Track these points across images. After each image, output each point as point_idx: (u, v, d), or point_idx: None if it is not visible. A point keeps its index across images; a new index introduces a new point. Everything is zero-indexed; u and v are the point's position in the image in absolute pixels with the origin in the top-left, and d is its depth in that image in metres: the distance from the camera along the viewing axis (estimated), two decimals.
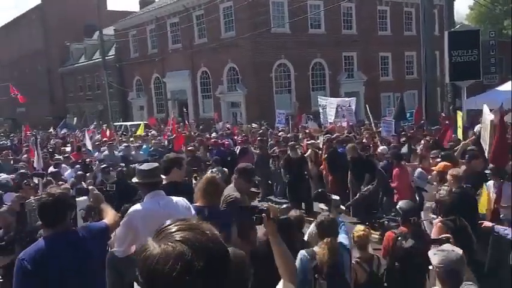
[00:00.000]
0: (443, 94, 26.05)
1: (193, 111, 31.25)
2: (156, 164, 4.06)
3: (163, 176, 4.11)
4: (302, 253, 3.94)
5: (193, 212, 3.79)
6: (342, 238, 4.13)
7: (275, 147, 12.33)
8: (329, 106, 16.39)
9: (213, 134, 16.90)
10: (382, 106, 29.77)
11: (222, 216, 3.84)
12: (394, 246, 4.46)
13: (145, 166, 3.95)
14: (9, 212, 5.93)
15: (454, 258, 2.91)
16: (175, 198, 3.86)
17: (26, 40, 47.37)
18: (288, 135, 14.35)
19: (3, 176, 9.64)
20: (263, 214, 2.50)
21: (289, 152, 10.42)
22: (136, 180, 3.93)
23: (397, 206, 4.75)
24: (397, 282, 4.45)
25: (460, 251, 3.01)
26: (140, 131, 19.27)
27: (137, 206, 3.84)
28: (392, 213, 5.89)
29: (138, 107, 37.65)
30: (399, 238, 4.44)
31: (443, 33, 14.40)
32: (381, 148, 10.27)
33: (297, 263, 3.77)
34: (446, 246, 3.15)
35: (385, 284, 4.46)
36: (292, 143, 11.15)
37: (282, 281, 2.44)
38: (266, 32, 25.87)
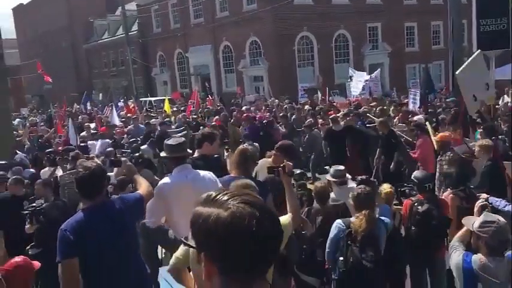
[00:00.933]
0: None
1: (216, 85, 31.33)
2: (183, 139, 4.16)
3: (193, 150, 4.21)
4: (338, 221, 4.08)
5: (219, 185, 3.89)
6: (383, 217, 4.22)
7: (309, 119, 12.02)
8: (356, 79, 16.19)
9: (244, 107, 16.55)
10: (408, 78, 29.27)
11: (257, 185, 3.94)
12: (410, 212, 4.65)
13: (172, 141, 4.04)
14: (43, 185, 6.21)
15: (505, 228, 3.07)
16: (202, 172, 3.95)
17: (50, 17, 47.79)
18: (316, 109, 14.18)
19: (19, 154, 10.03)
20: (279, 169, 3.35)
21: (331, 124, 10.11)
22: (165, 155, 4.05)
23: (412, 176, 4.98)
24: (415, 245, 4.60)
25: (504, 220, 3.14)
26: (166, 107, 19.27)
27: (166, 179, 3.97)
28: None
29: (162, 83, 37.91)
30: (415, 204, 4.63)
31: (471, 1, 13.99)
32: (416, 118, 10.03)
33: (332, 230, 4.07)
34: (491, 216, 3.17)
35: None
36: (333, 115, 10.75)
37: (289, 214, 3.17)
38: (288, 4, 25.51)
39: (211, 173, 3.99)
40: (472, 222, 3.18)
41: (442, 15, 25.88)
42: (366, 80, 15.85)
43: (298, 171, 4.65)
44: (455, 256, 3.20)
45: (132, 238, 3.42)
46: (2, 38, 8.26)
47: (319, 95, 18.37)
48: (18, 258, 3.26)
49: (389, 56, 30.83)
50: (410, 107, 12.43)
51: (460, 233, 3.41)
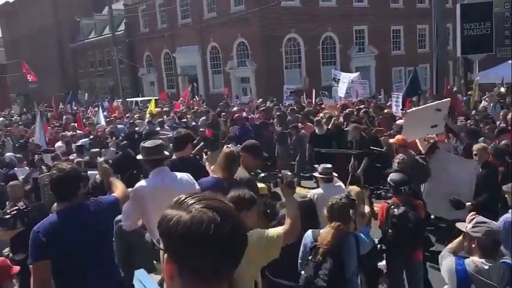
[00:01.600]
0: (455, 68, 25.71)
1: (203, 86, 31.27)
2: (160, 141, 4.14)
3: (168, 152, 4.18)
4: (308, 233, 3.95)
5: (197, 187, 3.87)
6: (360, 232, 4.07)
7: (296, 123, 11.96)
8: (342, 81, 16.19)
9: (234, 108, 16.59)
10: (393, 80, 29.50)
11: (240, 188, 3.94)
12: (387, 214, 4.66)
13: (149, 143, 4.01)
14: (21, 186, 6.13)
15: (497, 229, 3.19)
16: (179, 174, 3.94)
17: (37, 16, 47.30)
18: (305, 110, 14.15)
19: (8, 154, 9.94)
20: (278, 179, 3.35)
21: (315, 128, 10.17)
22: (141, 157, 4.01)
23: (388, 179, 4.92)
24: (390, 248, 4.63)
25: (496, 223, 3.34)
26: (152, 107, 19.15)
27: (142, 182, 3.93)
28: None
29: (149, 83, 37.74)
30: (392, 207, 4.64)
31: (456, 6, 14.16)
32: (398, 122, 9.94)
33: (303, 240, 3.93)
34: (483, 219, 3.24)
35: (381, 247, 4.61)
36: (317, 118, 10.75)
37: (284, 226, 3.10)
38: (276, 5, 25.60)
39: (188, 174, 3.97)
40: (465, 226, 3.26)
41: (428, 19, 26.01)
42: (352, 81, 15.88)
43: (262, 174, 4.59)
44: (447, 261, 3.24)
45: (106, 241, 3.39)
46: None
47: (324, 98, 18.25)
48: None
49: (375, 59, 31.05)
50: (394, 109, 12.51)
51: (450, 244, 3.45)
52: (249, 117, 13.63)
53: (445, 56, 16.13)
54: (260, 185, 4.56)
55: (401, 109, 11.73)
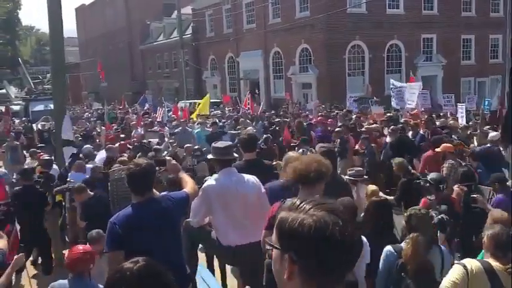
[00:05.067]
0: None
1: (264, 91, 31.56)
2: (230, 143, 4.32)
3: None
4: (388, 248, 3.68)
5: (263, 190, 4.02)
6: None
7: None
8: (409, 91, 15.41)
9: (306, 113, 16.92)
10: (462, 92, 28.39)
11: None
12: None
13: (220, 144, 4.21)
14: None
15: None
16: (246, 176, 4.10)
17: (110, 18, 49.83)
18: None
19: (88, 146, 10.46)
20: None
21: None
22: (212, 157, 4.21)
23: (429, 177, 5.52)
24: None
25: None
26: (203, 108, 18.06)
27: (211, 181, 4.09)
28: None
29: (212, 86, 38.59)
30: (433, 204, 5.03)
31: None
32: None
33: (382, 257, 3.68)
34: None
35: None
36: (393, 127, 10.41)
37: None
38: (341, 12, 25.36)
39: (255, 177, 4.11)
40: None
41: (502, 29, 24.95)
42: (421, 92, 15.24)
43: None
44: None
45: (176, 236, 3.53)
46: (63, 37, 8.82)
47: (373, 106, 17.72)
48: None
49: (443, 69, 30.01)
50: (460, 121, 12.21)
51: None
52: (329, 121, 13.39)
53: None
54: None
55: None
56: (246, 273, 4.30)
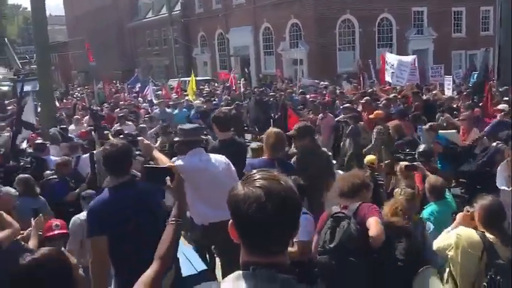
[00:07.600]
0: None
1: (254, 67, 31.31)
2: (197, 125, 4.27)
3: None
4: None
5: (232, 168, 4.01)
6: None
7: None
8: (399, 68, 14.95)
9: (301, 91, 16.32)
10: (453, 64, 28.28)
11: (287, 166, 4.26)
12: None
13: (186, 126, 4.18)
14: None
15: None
16: (214, 156, 4.08)
17: None
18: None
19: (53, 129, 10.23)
20: None
21: None
22: (178, 139, 4.12)
23: (420, 149, 5.65)
24: None
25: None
26: (190, 91, 17.66)
27: (179, 161, 4.00)
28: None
29: (203, 63, 38.24)
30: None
31: None
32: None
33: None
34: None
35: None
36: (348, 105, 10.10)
37: None
38: None
39: (223, 156, 4.08)
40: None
41: (492, 0, 24.72)
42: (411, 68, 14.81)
43: None
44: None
45: (156, 218, 3.31)
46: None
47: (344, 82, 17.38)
48: None
49: (434, 42, 29.83)
50: (446, 92, 12.21)
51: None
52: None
53: (508, 38, 15.23)
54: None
55: (481, 96, 10.54)
56: (220, 251, 4.30)
